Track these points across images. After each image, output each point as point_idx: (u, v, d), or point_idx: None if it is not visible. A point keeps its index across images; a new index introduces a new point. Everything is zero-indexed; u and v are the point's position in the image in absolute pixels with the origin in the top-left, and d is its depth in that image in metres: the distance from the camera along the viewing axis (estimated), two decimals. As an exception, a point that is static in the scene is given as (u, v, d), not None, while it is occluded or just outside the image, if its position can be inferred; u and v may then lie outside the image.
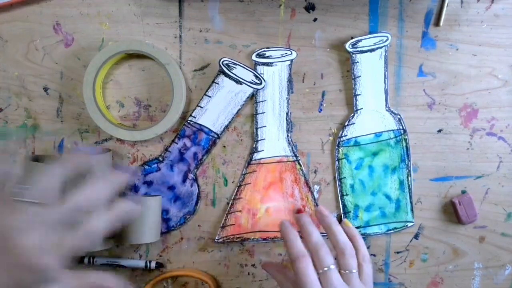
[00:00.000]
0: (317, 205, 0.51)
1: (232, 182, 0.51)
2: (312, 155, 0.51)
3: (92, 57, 0.48)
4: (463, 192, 0.51)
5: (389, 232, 0.51)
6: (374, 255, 0.52)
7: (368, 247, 0.51)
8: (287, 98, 0.50)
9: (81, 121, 0.51)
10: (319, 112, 0.51)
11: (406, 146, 0.50)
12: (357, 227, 0.50)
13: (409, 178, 0.50)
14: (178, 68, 0.48)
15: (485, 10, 0.49)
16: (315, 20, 0.50)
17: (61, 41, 0.50)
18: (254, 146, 0.50)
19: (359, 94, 0.49)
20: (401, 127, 0.50)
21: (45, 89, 0.51)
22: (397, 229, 0.50)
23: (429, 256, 0.52)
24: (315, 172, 0.51)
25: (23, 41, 0.50)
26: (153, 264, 0.51)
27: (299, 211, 0.49)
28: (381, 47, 0.48)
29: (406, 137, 0.50)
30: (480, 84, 0.50)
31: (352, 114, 0.49)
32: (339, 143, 0.50)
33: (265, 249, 0.52)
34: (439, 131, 0.51)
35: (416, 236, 0.51)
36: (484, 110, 0.50)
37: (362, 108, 0.49)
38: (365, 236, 0.51)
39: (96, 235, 0.35)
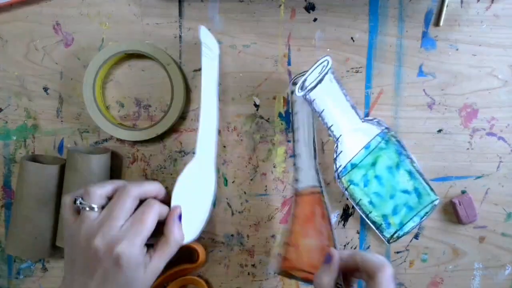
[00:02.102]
0: (335, 245, 0.48)
1: (233, 182, 0.51)
2: (312, 155, 0.51)
3: (92, 57, 0.48)
4: (463, 192, 0.51)
5: (423, 219, 0.50)
6: (374, 255, 0.52)
7: (368, 247, 0.51)
8: (313, 122, 0.49)
9: (81, 121, 0.51)
10: (319, 112, 0.51)
11: (397, 140, 0.49)
12: (394, 233, 0.50)
13: (414, 164, 0.50)
14: (178, 68, 0.48)
15: (485, 10, 0.49)
16: (315, 20, 0.50)
17: (61, 41, 0.50)
18: (295, 177, 0.50)
19: (332, 125, 0.48)
20: (383, 128, 0.49)
21: (45, 89, 0.51)
22: (428, 213, 0.50)
23: (429, 256, 0.52)
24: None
25: (23, 41, 0.50)
26: None
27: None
28: (326, 73, 0.46)
29: (392, 132, 0.49)
30: (480, 84, 0.50)
31: (335, 145, 0.49)
32: (338, 175, 0.49)
33: (265, 249, 0.52)
34: (439, 131, 0.51)
35: (416, 236, 0.51)
36: (484, 110, 0.50)
37: (341, 135, 0.48)
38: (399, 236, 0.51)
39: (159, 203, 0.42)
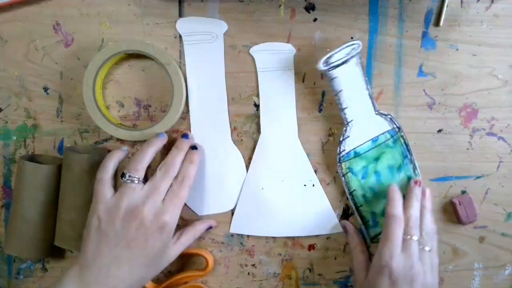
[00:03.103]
0: None
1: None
2: (312, 155, 0.51)
3: (92, 57, 0.48)
4: (463, 192, 0.51)
5: None
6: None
7: (368, 247, 0.51)
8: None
9: (81, 121, 0.51)
10: (319, 112, 0.51)
11: (405, 143, 0.49)
12: (379, 233, 0.50)
13: (416, 171, 0.50)
14: (178, 68, 0.48)
15: (485, 10, 0.49)
16: (315, 20, 0.50)
17: (61, 41, 0.50)
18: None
19: (346, 107, 0.48)
20: (395, 126, 0.49)
21: (45, 89, 0.51)
22: None
23: (429, 256, 0.52)
24: (315, 172, 0.51)
25: (23, 41, 0.50)
26: None
27: (416, 182, 0.48)
28: (354, 56, 0.46)
29: (402, 133, 0.49)
30: (480, 84, 0.50)
31: (344, 128, 0.49)
32: (339, 159, 0.49)
33: (265, 249, 0.52)
34: (439, 131, 0.51)
35: (416, 236, 0.51)
36: (484, 110, 0.50)
37: (352, 120, 0.48)
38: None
39: (190, 180, 0.47)
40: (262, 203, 0.50)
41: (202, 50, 0.49)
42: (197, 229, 0.49)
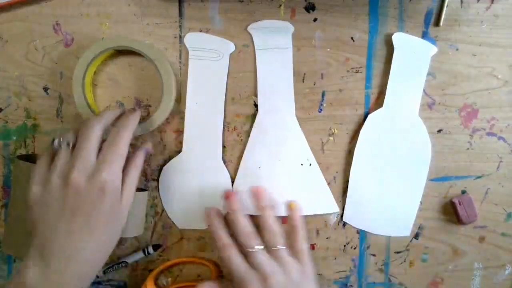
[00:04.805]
0: None
1: (233, 182, 0.51)
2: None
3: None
4: (463, 192, 0.51)
5: None
6: (374, 255, 0.52)
7: (368, 247, 0.51)
8: None
9: (81, 121, 0.51)
10: (319, 112, 0.51)
11: None
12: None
13: None
14: (167, 63, 0.48)
15: (485, 10, 0.49)
16: (315, 20, 0.50)
17: (61, 41, 0.50)
18: None
19: None
20: None
21: (45, 89, 0.51)
22: None
23: (429, 256, 0.52)
24: (315, 172, 0.51)
25: (23, 41, 0.50)
26: (151, 250, 0.51)
27: (227, 196, 0.47)
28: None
29: None
30: (480, 84, 0.50)
31: None
32: None
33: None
34: (439, 131, 0.51)
35: (416, 236, 0.51)
36: (484, 110, 0.50)
37: None
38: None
39: (128, 130, 0.42)
40: (259, 182, 0.50)
41: (206, 67, 0.50)
42: (138, 164, 0.43)
